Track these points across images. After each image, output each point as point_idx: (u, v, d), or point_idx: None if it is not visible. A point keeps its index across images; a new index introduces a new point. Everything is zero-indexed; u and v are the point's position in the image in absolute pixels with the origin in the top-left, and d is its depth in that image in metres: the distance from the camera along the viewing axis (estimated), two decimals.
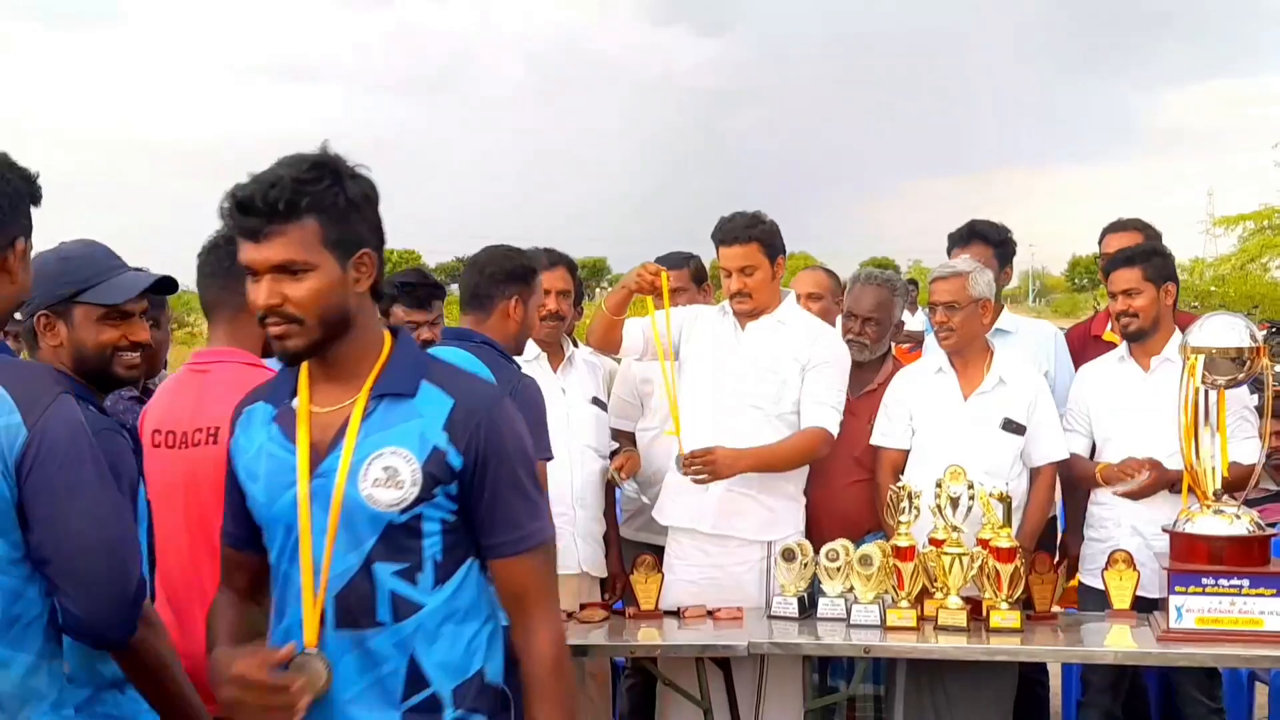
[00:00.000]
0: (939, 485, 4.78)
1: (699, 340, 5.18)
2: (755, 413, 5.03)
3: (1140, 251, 5.22)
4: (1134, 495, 5.01)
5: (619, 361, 5.74)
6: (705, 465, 4.82)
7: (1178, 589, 4.52)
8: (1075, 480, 5.33)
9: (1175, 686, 5.12)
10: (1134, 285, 5.12)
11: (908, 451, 5.21)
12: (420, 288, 5.07)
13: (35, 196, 2.70)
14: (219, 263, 3.60)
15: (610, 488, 5.39)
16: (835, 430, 5.06)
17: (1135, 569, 4.81)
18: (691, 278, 5.95)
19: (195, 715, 2.91)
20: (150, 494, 3.26)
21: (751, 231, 5.04)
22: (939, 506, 4.77)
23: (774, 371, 5.04)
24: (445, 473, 2.52)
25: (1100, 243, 6.03)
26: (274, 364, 3.69)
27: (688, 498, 5.09)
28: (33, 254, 2.78)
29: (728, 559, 5.09)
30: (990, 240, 5.92)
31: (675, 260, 5.86)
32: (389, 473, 2.49)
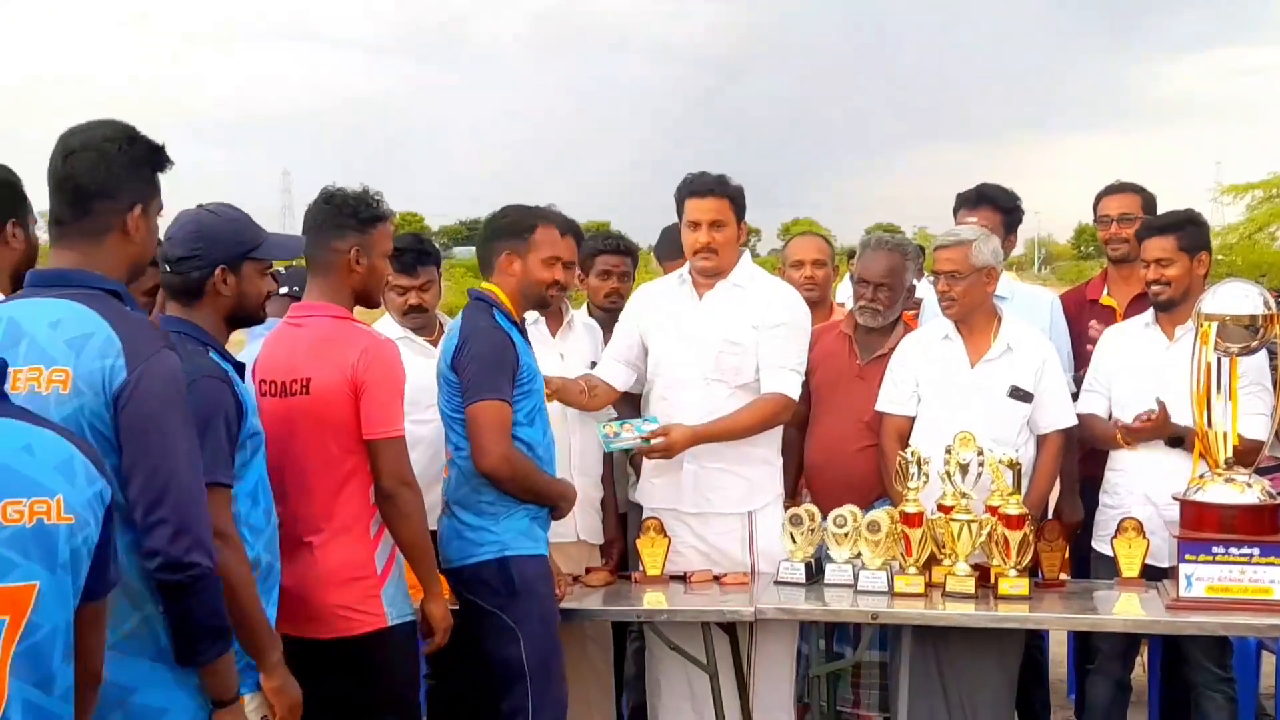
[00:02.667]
0: (948, 451, 4.75)
1: (660, 317, 5.15)
2: (719, 386, 5.00)
3: (1175, 221, 5.13)
4: (1139, 434, 4.95)
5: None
6: (659, 447, 4.84)
7: (1188, 557, 4.49)
8: (1094, 440, 5.27)
9: (1185, 654, 5.09)
10: (1167, 255, 5.03)
11: (913, 418, 5.17)
12: (408, 253, 5.07)
13: (159, 164, 3.01)
14: (315, 218, 3.99)
15: (609, 454, 5.32)
16: (795, 393, 5.02)
17: (1145, 537, 4.80)
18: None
19: (265, 630, 3.27)
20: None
21: (724, 187, 5.02)
22: (948, 473, 4.74)
23: (734, 343, 4.99)
24: None
25: (1096, 206, 5.96)
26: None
27: (664, 478, 5.07)
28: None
29: (709, 531, 5.08)
30: (1000, 205, 5.87)
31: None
32: None
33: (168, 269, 3.41)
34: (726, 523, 5.08)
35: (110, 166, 2.89)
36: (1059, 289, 7.01)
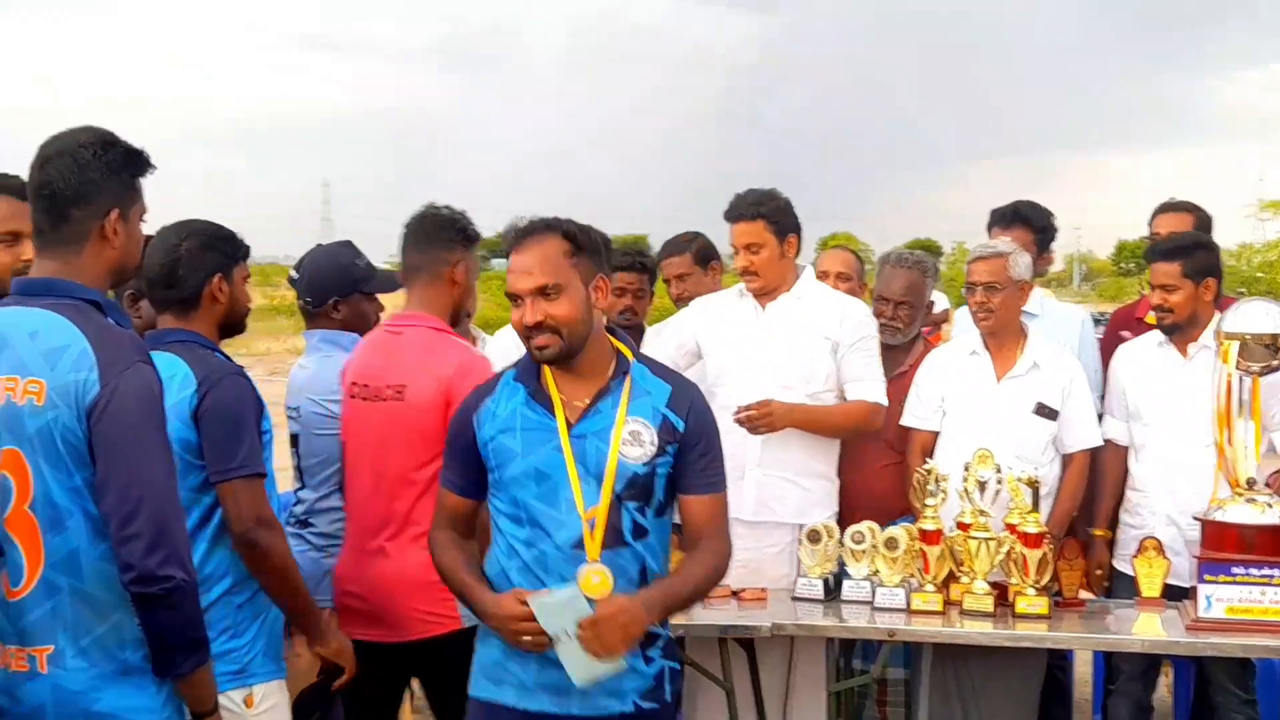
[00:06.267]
0: (966, 469, 4.74)
1: (720, 329, 5.16)
2: (787, 393, 4.97)
3: (1181, 246, 5.11)
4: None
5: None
6: (762, 418, 4.82)
7: (1207, 577, 4.46)
8: (1101, 470, 5.25)
9: (1209, 676, 5.07)
10: (1171, 281, 5.02)
11: (938, 433, 5.16)
12: None
13: (139, 169, 3.00)
14: (420, 232, 4.16)
15: None
16: (885, 400, 5.05)
17: (1165, 557, 4.76)
18: (695, 260, 5.94)
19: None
20: (345, 438, 4.14)
21: (758, 209, 5.02)
22: (966, 490, 4.73)
23: (800, 349, 5.00)
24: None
25: (1150, 223, 5.97)
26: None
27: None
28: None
29: (759, 542, 5.04)
30: (1033, 224, 5.86)
31: (677, 245, 5.88)
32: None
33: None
34: (778, 534, 5.07)
35: (85, 172, 2.89)
36: (1098, 306, 6.99)
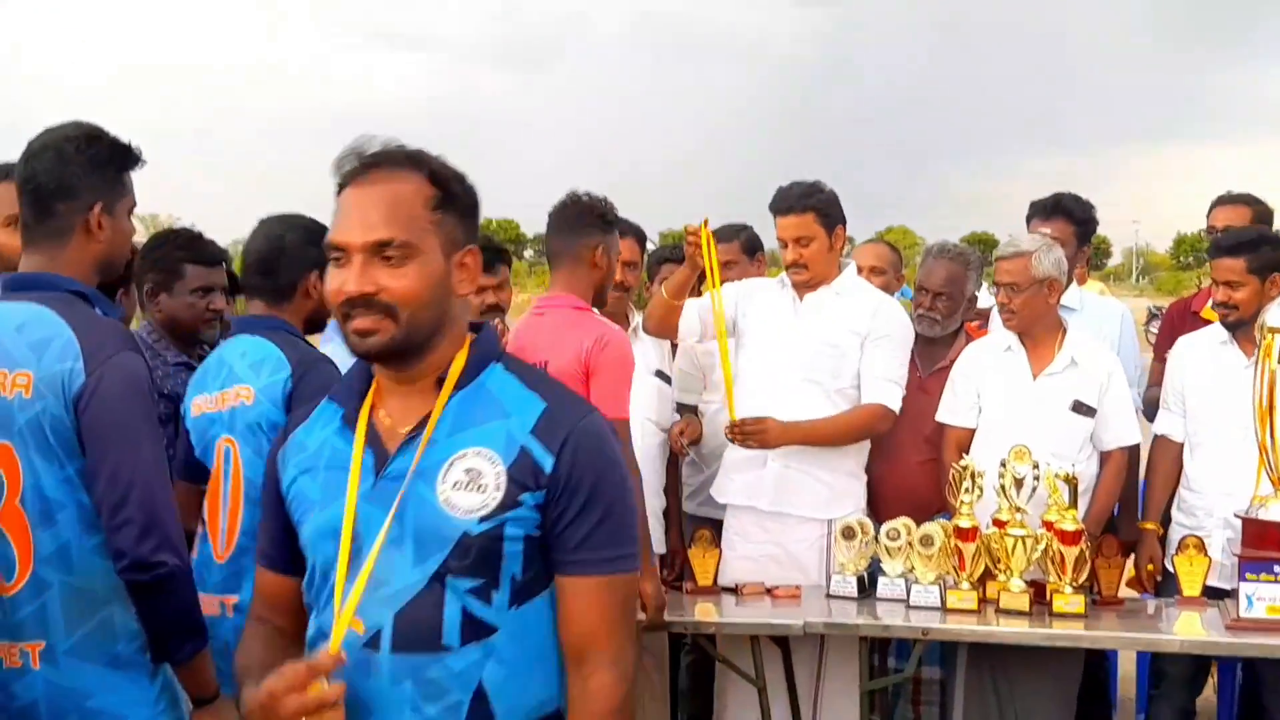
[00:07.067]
0: (1003, 465, 4.66)
1: (756, 314, 5.11)
2: (813, 388, 4.94)
3: (1247, 241, 5.01)
4: None
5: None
6: (755, 434, 4.78)
7: (1248, 576, 4.36)
8: (1153, 465, 5.16)
9: (1260, 677, 4.96)
10: (1236, 277, 4.92)
11: (974, 430, 5.09)
12: (486, 251, 5.13)
13: (125, 164, 3.00)
14: (563, 219, 4.41)
15: (674, 462, 5.34)
16: (896, 405, 4.97)
17: (1206, 555, 4.68)
18: (742, 249, 5.92)
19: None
20: None
21: (807, 201, 4.96)
22: (1003, 487, 4.66)
23: (832, 345, 4.95)
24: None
25: (1208, 215, 5.91)
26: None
27: (745, 475, 5.02)
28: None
29: (786, 536, 5.01)
30: (1074, 217, 5.79)
31: (725, 233, 5.83)
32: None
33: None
34: (805, 529, 5.02)
35: (68, 166, 2.90)
36: (1156, 299, 6.90)
